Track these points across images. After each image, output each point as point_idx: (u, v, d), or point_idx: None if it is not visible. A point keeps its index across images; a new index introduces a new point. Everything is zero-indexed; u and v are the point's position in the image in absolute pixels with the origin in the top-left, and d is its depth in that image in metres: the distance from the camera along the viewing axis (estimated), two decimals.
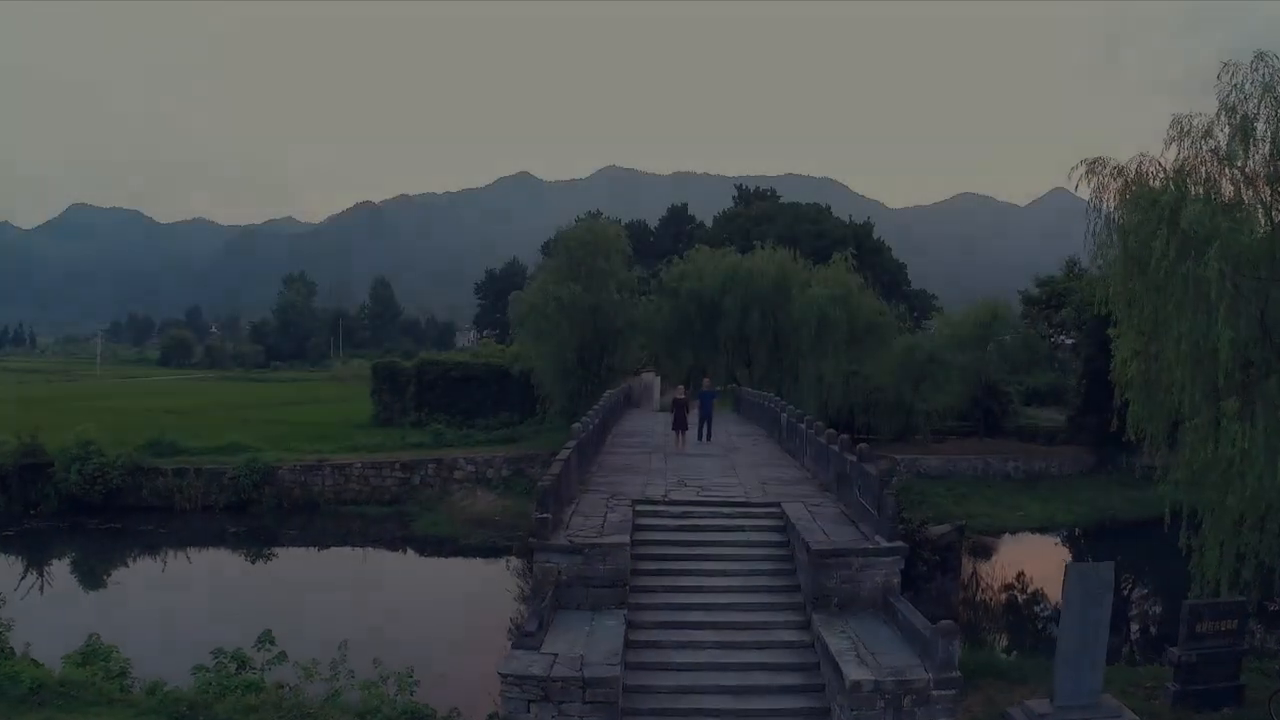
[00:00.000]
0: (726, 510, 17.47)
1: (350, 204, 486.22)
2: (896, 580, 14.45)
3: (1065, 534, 38.35)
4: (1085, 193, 15.54)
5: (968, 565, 29.17)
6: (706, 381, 29.91)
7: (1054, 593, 29.97)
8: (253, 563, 33.51)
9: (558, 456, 17.17)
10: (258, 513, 38.69)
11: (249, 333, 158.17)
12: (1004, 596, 28.72)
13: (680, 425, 25.74)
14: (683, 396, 26.38)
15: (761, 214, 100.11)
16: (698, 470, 22.05)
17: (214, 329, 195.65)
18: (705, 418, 27.65)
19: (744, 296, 43.66)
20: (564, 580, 14.36)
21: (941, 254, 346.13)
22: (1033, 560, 33.78)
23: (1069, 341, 57.75)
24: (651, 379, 55.88)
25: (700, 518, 17.21)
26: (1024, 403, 57.51)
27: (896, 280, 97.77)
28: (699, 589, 15.15)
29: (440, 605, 25.34)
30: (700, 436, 27.49)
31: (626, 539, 14.77)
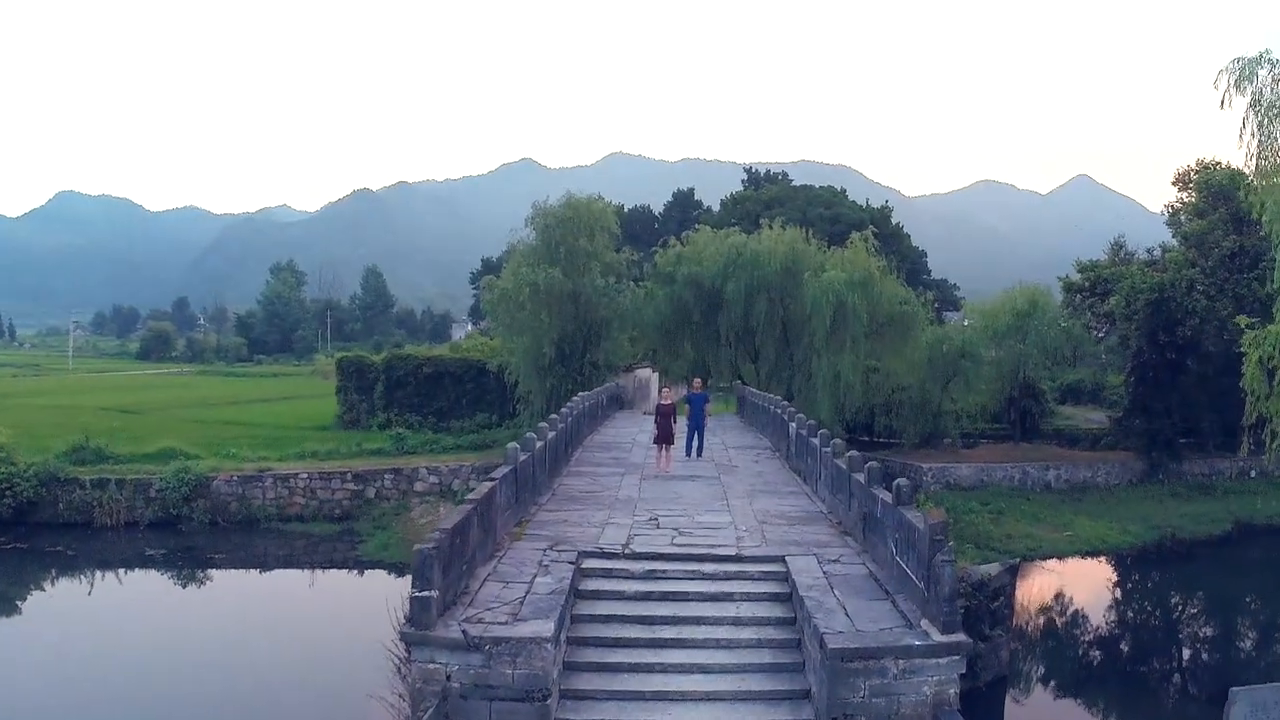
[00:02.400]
0: (709, 568, 12.81)
1: (347, 191, 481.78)
2: (954, 691, 9.80)
3: (1118, 556, 33.57)
4: (1236, 108, 10.84)
5: (1018, 606, 24.40)
6: (696, 383, 25.05)
7: (1121, 640, 25.45)
8: (182, 587, 29.20)
9: (471, 494, 12.56)
10: (189, 530, 34.33)
11: (233, 324, 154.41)
12: (1067, 652, 23.97)
13: (664, 439, 20.99)
14: (669, 402, 21.56)
15: (772, 197, 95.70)
16: (679, 500, 17.39)
17: (202, 320, 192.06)
18: (695, 428, 22.92)
19: (748, 282, 38.82)
20: (455, 690, 9.75)
21: (960, 243, 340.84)
22: (1092, 594, 29.10)
23: (1099, 335, 53.19)
24: (648, 376, 51.31)
25: (672, 580, 12.57)
26: (1057, 401, 53.00)
27: (917, 269, 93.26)
28: (661, 696, 10.50)
29: (337, 678, 19.68)
30: (689, 451, 22.81)
31: (550, 628, 10.10)
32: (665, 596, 12.18)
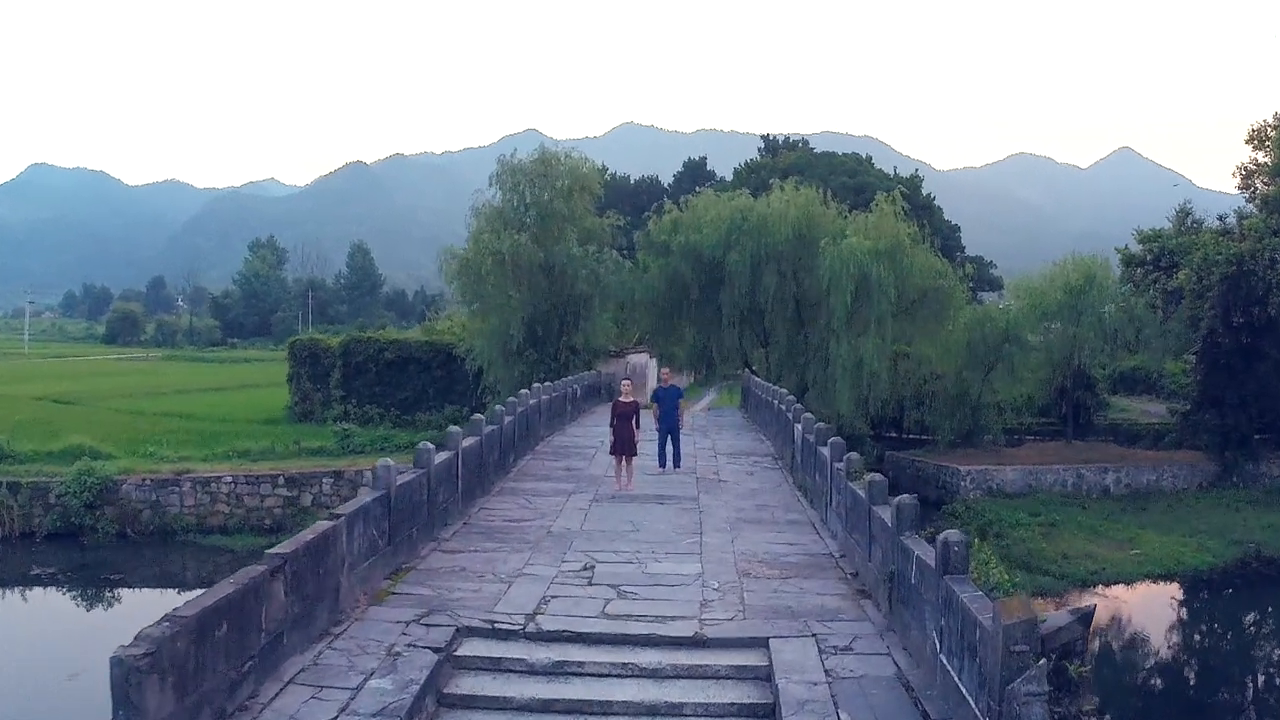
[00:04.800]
0: (651, 660, 8.80)
1: (339, 164, 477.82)
2: None
3: (1195, 579, 29.44)
4: None
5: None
6: (664, 375, 20.82)
7: (1214, 698, 21.36)
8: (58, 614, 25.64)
9: (280, 546, 8.63)
10: (92, 543, 30.90)
11: (209, 306, 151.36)
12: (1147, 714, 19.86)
13: (622, 448, 16.98)
14: (628, 399, 17.46)
15: (790, 165, 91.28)
16: (634, 534, 13.39)
17: (180, 301, 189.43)
18: (667, 431, 18.84)
19: (754, 251, 34.71)
20: None
21: (995, 219, 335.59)
22: (1172, 633, 25.04)
23: (1163, 314, 49.10)
24: (644, 362, 47.68)
25: (592, 679, 8.58)
26: (1109, 392, 48.97)
27: (950, 245, 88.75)
28: None
29: None
30: (663, 461, 18.79)
31: None
32: (577, 709, 8.19)
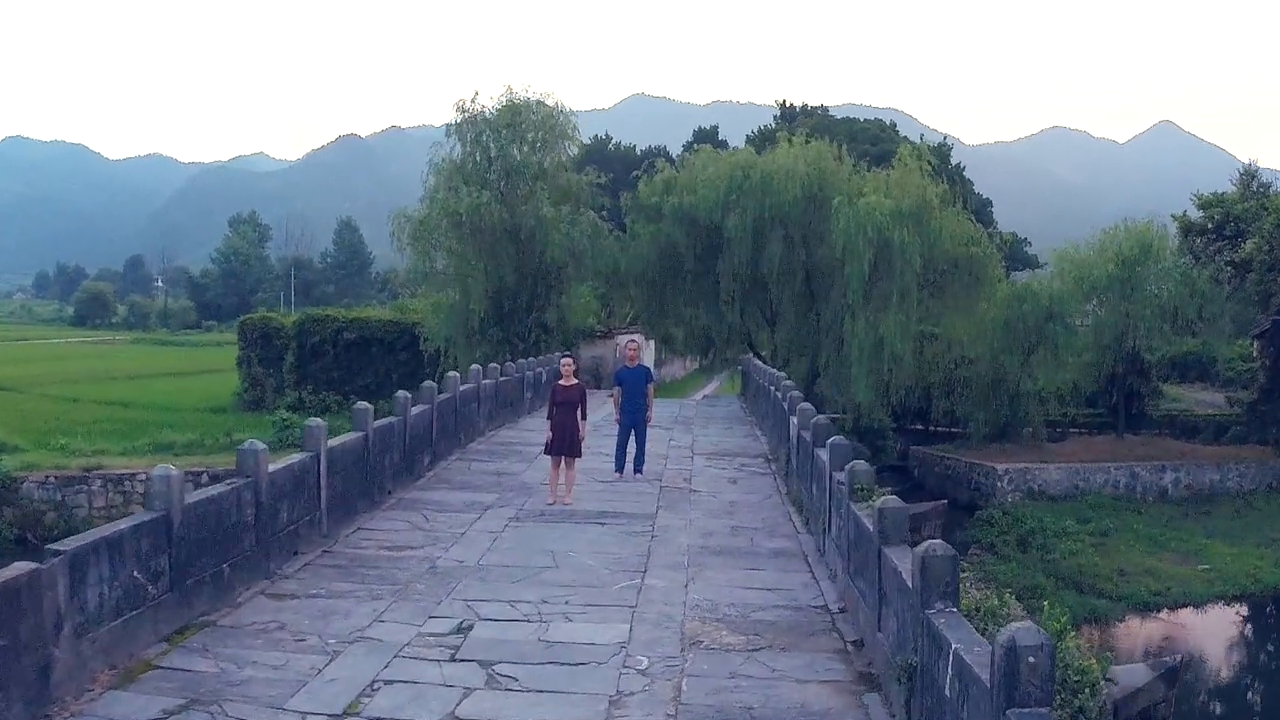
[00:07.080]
0: None
1: (332, 137, 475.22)
2: None
3: (1275, 600, 26.22)
4: None
5: None
6: (630, 351, 17.42)
7: None
8: None
9: None
10: None
11: (186, 286, 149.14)
12: None
13: (561, 446, 13.79)
14: (570, 383, 14.22)
15: (807, 131, 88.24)
16: (548, 571, 10.13)
17: (159, 281, 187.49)
18: (630, 425, 15.62)
19: (757, 214, 31.49)
20: None
21: (1028, 197, 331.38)
22: (1260, 673, 21.74)
23: (1221, 284, 45.93)
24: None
25: None
26: (1160, 379, 45.86)
27: (981, 220, 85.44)
28: None
29: None
30: (620, 464, 15.58)
31: None
32: None
